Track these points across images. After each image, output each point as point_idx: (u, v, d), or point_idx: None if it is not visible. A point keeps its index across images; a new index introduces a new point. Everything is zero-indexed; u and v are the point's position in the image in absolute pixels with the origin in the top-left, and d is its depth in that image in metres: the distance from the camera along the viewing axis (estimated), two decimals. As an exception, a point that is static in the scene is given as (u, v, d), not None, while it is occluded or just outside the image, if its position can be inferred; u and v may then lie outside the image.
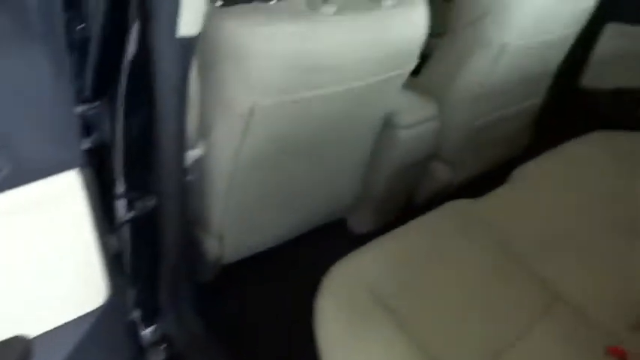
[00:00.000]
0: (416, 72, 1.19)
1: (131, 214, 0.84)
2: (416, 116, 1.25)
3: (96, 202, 0.63)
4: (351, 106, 1.05)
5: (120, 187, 0.85)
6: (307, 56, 0.88)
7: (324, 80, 0.94)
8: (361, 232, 1.40)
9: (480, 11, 1.20)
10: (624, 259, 0.95)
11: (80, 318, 0.66)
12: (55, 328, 0.63)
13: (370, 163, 1.26)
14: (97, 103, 0.91)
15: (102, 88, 0.86)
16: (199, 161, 0.96)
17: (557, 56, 1.44)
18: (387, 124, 1.22)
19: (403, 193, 1.41)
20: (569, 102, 1.66)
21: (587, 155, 1.24)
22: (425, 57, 1.23)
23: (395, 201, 1.40)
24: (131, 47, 0.71)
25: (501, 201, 1.07)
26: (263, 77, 0.86)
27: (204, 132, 0.95)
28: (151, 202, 0.82)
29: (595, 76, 1.61)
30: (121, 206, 0.86)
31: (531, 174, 1.18)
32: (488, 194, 1.08)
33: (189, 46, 0.69)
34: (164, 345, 0.99)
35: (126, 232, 0.89)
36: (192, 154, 0.93)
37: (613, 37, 1.53)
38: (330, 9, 0.88)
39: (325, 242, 1.28)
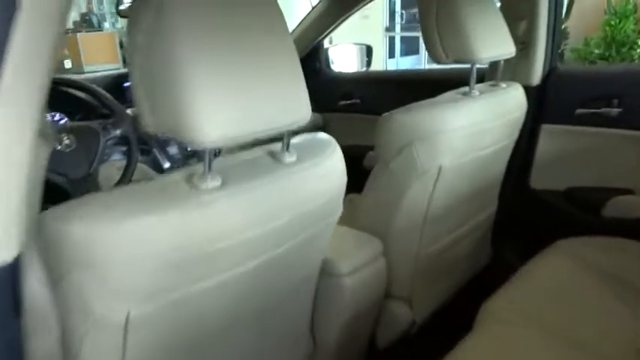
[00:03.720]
0: (359, 189, 1.13)
1: None
2: (358, 259, 1.11)
3: None
4: (267, 278, 0.87)
5: None
6: (192, 246, 0.67)
7: (222, 266, 0.75)
8: None
9: (406, 139, 1.14)
10: None
11: None
12: None
13: (316, 315, 1.12)
14: None
15: None
16: None
17: (500, 165, 1.43)
18: (327, 273, 1.06)
19: (361, 339, 1.28)
20: (521, 205, 1.65)
21: (559, 274, 1.17)
22: (366, 171, 1.22)
23: (353, 350, 1.25)
24: None
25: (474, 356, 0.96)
26: (135, 282, 0.67)
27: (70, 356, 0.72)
28: None
29: (543, 177, 1.60)
30: None
31: (501, 312, 1.07)
32: (457, 348, 0.96)
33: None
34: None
35: None
36: None
37: (551, 137, 1.55)
38: (214, 182, 0.69)
39: None
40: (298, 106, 0.75)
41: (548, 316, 1.04)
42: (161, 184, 0.70)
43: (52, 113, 1.53)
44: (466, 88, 1.26)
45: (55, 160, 1.27)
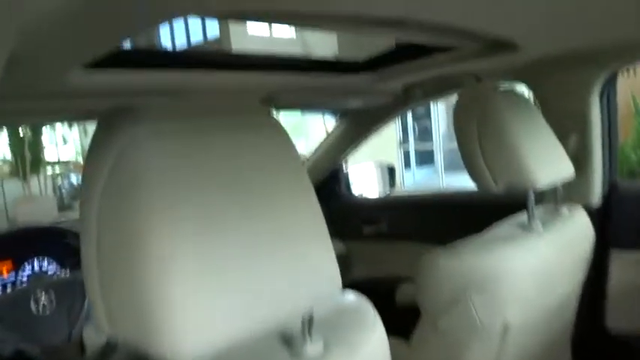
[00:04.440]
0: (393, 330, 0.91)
1: None
2: None
3: None
4: None
5: None
6: None
7: None
8: None
9: (458, 290, 0.92)
10: None
11: None
12: None
13: None
14: None
15: None
16: None
17: (573, 308, 1.19)
18: None
19: None
20: (596, 350, 1.35)
21: None
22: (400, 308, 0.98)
23: None
24: None
25: None
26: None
27: None
28: None
29: (620, 315, 1.32)
30: None
31: None
32: None
33: None
34: None
35: None
36: None
37: (624, 265, 1.30)
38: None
39: None
40: (323, 279, 0.54)
41: None
42: None
43: (41, 261, 1.38)
44: (522, 218, 1.04)
45: (28, 325, 1.07)
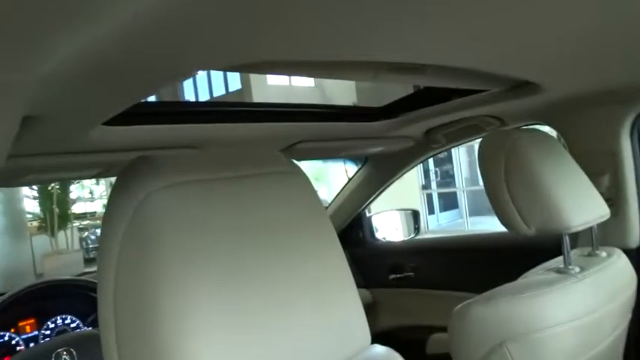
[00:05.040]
0: None
1: None
2: None
3: None
4: None
5: None
6: None
7: None
8: None
9: (493, 341, 0.87)
10: None
11: None
12: None
13: None
14: None
15: None
16: None
17: (618, 357, 1.10)
18: None
19: None
20: None
21: None
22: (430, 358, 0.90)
23: None
24: None
25: None
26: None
27: None
28: None
29: None
30: None
31: None
32: None
33: None
34: None
35: None
36: None
37: None
38: None
39: None
40: (351, 332, 0.51)
41: None
42: None
43: (64, 316, 1.37)
44: (559, 262, 0.99)
45: None
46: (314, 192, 0.54)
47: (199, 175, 0.47)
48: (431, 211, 9.33)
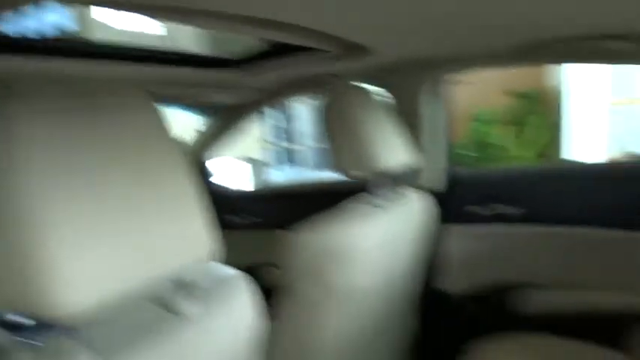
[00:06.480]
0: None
1: None
2: None
3: None
4: None
5: None
6: None
7: None
8: None
9: (316, 260, 1.03)
10: None
11: None
12: None
13: None
14: None
15: None
16: None
17: (416, 275, 1.38)
18: None
19: None
20: (436, 311, 1.60)
21: None
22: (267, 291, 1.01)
23: None
24: None
25: None
26: None
27: None
28: None
29: (454, 280, 1.58)
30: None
31: None
32: None
33: None
34: None
35: None
36: None
37: (457, 238, 1.56)
38: None
39: None
40: (195, 244, 0.60)
41: None
42: None
43: None
44: (373, 198, 1.20)
45: None
46: (162, 119, 0.61)
47: (59, 101, 0.51)
48: (276, 166, 9.60)
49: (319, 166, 8.72)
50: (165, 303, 0.63)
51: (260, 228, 2.00)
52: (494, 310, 1.52)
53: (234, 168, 2.19)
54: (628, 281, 1.34)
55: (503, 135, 5.01)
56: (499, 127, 5.07)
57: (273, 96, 1.74)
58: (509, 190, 1.53)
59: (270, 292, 1.09)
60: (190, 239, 0.60)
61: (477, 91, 5.20)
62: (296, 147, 9.28)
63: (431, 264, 1.52)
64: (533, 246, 1.48)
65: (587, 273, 1.41)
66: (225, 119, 1.97)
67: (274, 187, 2.59)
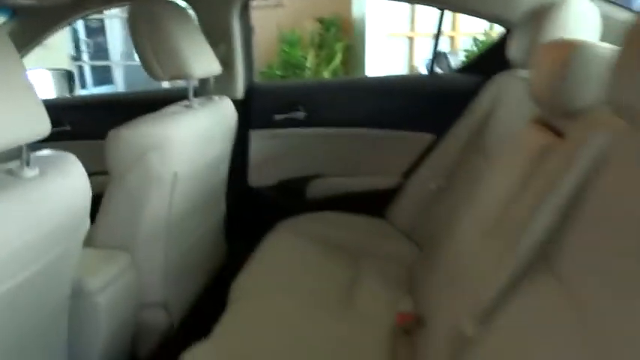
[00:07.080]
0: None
1: None
2: (108, 275, 1.11)
3: None
4: (19, 305, 0.82)
5: None
6: None
7: None
8: None
9: (139, 152, 1.18)
10: None
11: None
12: None
13: (72, 337, 1.06)
14: None
15: None
16: None
17: (224, 169, 1.63)
18: (77, 294, 1.03)
19: (122, 354, 1.25)
20: (244, 202, 1.89)
21: (286, 248, 1.44)
22: (97, 198, 1.11)
23: None
24: None
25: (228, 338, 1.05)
26: None
27: None
28: None
29: (258, 176, 1.90)
30: None
31: (249, 289, 1.25)
32: (216, 328, 1.07)
33: None
34: None
35: None
36: None
37: (259, 140, 1.87)
38: None
39: None
40: (35, 119, 0.74)
41: (290, 283, 1.26)
42: None
43: None
44: (186, 102, 1.38)
45: None
46: None
47: None
48: (83, 86, 8.80)
49: (134, 86, 8.27)
50: (9, 168, 0.77)
51: (74, 138, 2.01)
52: (291, 197, 1.88)
53: (40, 79, 2.11)
54: (384, 167, 1.80)
55: (305, 56, 5.50)
56: (303, 49, 5.55)
57: (81, 3, 1.75)
58: (295, 99, 1.84)
59: (100, 199, 1.23)
60: (33, 115, 0.74)
61: (292, 17, 5.54)
62: (106, 64, 8.59)
63: (239, 163, 1.79)
64: (317, 144, 1.85)
65: (357, 163, 1.84)
66: (27, 27, 1.90)
67: (89, 97, 2.56)
